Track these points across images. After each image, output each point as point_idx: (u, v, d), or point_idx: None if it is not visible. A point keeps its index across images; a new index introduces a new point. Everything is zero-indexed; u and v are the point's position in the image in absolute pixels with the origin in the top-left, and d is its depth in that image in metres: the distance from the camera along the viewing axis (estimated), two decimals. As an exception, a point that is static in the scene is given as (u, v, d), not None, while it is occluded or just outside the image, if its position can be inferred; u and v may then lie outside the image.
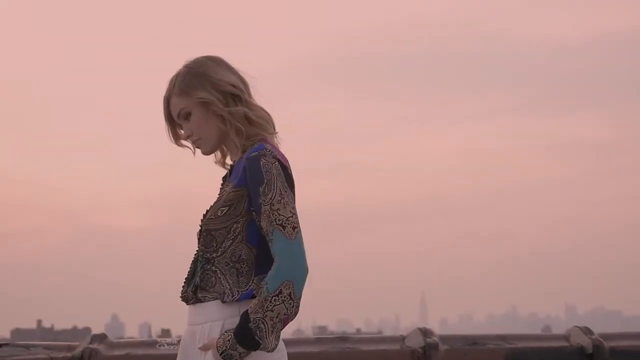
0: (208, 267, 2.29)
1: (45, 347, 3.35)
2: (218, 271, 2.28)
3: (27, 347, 3.34)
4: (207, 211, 2.32)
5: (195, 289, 2.30)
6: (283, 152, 2.33)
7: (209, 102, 2.32)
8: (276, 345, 2.17)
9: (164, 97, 2.39)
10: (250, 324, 2.14)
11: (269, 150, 2.26)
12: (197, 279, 2.30)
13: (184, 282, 2.36)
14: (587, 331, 3.60)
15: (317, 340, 3.52)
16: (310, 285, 2.20)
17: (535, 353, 3.53)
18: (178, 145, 2.44)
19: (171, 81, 2.38)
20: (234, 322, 2.21)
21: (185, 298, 2.34)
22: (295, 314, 2.17)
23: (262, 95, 2.40)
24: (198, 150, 2.41)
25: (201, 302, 2.29)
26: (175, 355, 2.43)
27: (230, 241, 2.27)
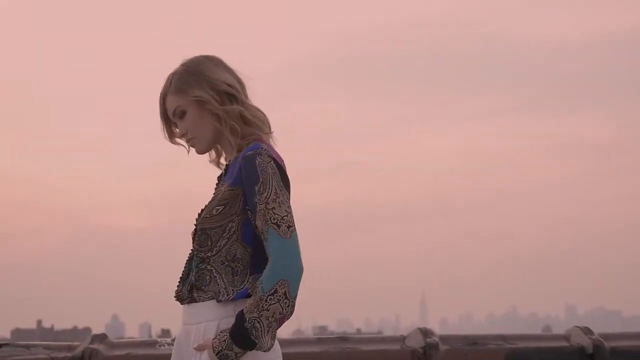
0: (203, 266, 2.28)
1: (46, 347, 3.35)
2: (213, 270, 2.27)
3: (28, 347, 3.34)
4: (202, 210, 2.30)
5: (190, 288, 2.29)
6: (280, 152, 2.33)
7: (205, 101, 2.31)
8: (272, 344, 2.17)
9: (160, 95, 2.38)
10: (246, 324, 2.13)
11: (265, 150, 2.26)
12: (192, 278, 2.29)
13: (179, 282, 2.34)
14: (587, 331, 3.60)
15: (318, 341, 3.51)
16: (310, 285, 2.21)
17: (536, 353, 3.52)
18: (172, 143, 2.42)
19: (168, 79, 2.37)
20: (229, 322, 2.20)
21: (180, 297, 2.33)
22: (291, 313, 2.16)
23: (259, 96, 2.40)
24: (192, 150, 2.40)
25: (196, 301, 2.28)
26: (175, 356, 2.42)
27: (226, 240, 2.26)
